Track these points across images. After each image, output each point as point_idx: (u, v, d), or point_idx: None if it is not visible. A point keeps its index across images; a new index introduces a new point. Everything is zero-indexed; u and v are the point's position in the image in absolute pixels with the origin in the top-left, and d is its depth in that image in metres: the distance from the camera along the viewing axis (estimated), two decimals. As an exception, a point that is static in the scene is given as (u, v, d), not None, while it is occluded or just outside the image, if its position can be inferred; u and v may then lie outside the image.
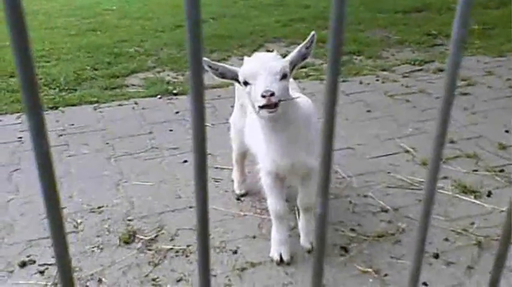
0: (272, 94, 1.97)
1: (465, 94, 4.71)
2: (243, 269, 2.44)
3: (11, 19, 0.42)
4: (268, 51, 6.45)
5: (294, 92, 2.63)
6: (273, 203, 2.44)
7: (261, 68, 2.05)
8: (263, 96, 1.98)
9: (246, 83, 2.11)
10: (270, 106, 1.99)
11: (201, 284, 0.57)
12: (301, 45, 2.23)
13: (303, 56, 2.24)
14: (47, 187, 0.50)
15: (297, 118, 2.22)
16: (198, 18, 0.41)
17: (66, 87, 5.11)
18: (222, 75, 2.26)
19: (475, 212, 2.84)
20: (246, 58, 2.21)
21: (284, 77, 2.08)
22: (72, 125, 4.22)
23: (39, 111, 0.46)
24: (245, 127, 2.73)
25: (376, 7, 8.85)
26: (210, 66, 2.23)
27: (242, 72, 2.13)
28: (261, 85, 2.01)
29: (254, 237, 2.69)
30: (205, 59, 2.24)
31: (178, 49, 6.59)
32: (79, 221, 2.84)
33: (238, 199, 3.06)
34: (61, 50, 6.53)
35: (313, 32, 2.21)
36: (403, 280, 2.33)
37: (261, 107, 2.02)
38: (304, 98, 2.47)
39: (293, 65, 2.19)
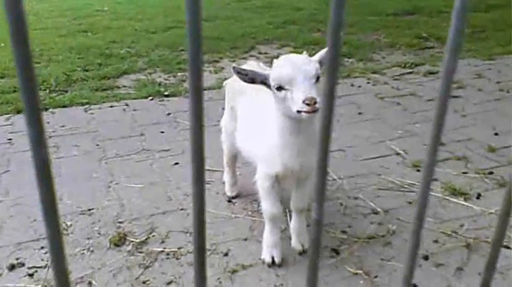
0: (315, 102, 1.97)
1: (455, 97, 4.75)
2: (234, 271, 2.44)
3: (12, 22, 0.42)
4: (260, 53, 6.47)
5: None
6: (269, 205, 2.43)
7: (297, 72, 2.02)
8: (307, 104, 1.97)
9: (279, 88, 2.07)
10: (313, 111, 1.99)
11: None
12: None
13: None
14: (45, 191, 0.49)
15: (315, 120, 2.22)
16: (198, 19, 0.41)
17: (57, 89, 5.09)
18: (252, 80, 2.21)
19: (465, 214, 2.86)
20: (275, 61, 2.15)
21: (317, 79, 2.07)
22: (63, 126, 4.20)
23: (39, 115, 0.46)
24: (236, 131, 2.73)
25: (367, 10, 8.90)
26: (238, 72, 2.19)
27: (275, 77, 2.08)
28: (301, 92, 1.99)
29: (245, 239, 2.69)
30: (234, 65, 2.24)
31: (170, 50, 6.58)
32: (69, 223, 2.83)
33: (229, 201, 3.06)
34: (51, 51, 6.50)
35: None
36: (393, 282, 2.34)
37: (300, 111, 2.02)
38: None
39: (321, 65, 2.18)
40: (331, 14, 0.45)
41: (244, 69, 2.22)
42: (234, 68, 2.21)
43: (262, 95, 2.54)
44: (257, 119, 2.48)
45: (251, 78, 2.20)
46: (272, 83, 2.10)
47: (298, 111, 2.00)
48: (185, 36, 0.43)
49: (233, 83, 2.83)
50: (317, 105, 1.96)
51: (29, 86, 0.44)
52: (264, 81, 2.17)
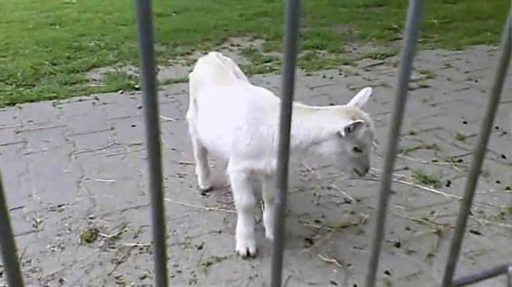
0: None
1: (425, 87, 4.83)
2: (208, 264, 2.43)
3: None
4: (232, 45, 6.44)
5: (246, 83, 2.65)
6: (244, 198, 2.41)
7: (372, 139, 2.16)
8: (366, 172, 2.17)
9: (357, 150, 2.12)
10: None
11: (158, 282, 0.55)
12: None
13: None
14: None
15: None
16: (148, 8, 0.39)
17: (24, 83, 4.94)
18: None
19: (435, 201, 2.92)
20: (359, 115, 2.11)
21: None
22: (31, 121, 4.09)
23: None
24: (198, 123, 2.71)
25: (339, 1, 8.95)
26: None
27: (361, 140, 2.10)
28: (369, 159, 2.19)
29: (220, 232, 2.68)
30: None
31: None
32: (39, 220, 2.76)
33: (203, 194, 3.04)
34: (18, 45, 6.31)
35: (369, 89, 2.30)
36: (365, 269, 2.37)
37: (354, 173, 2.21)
38: (266, 92, 2.46)
39: None
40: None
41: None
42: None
43: (223, 87, 2.53)
44: (225, 113, 2.46)
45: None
46: (357, 145, 2.11)
47: (353, 171, 2.20)
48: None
49: (194, 75, 2.82)
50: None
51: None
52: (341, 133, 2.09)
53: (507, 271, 0.68)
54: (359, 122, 2.04)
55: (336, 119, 2.10)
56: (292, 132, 2.00)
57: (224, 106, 2.49)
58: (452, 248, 0.63)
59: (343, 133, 2.06)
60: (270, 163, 2.24)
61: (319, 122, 2.14)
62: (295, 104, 2.28)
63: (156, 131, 0.45)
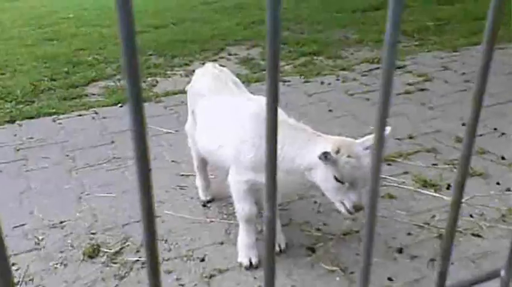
0: (359, 210, 2.06)
1: (422, 90, 4.84)
2: (211, 276, 2.43)
3: None
4: (230, 54, 6.46)
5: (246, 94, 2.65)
6: (246, 208, 2.42)
7: (362, 177, 2.05)
8: (355, 209, 2.08)
9: (338, 180, 2.06)
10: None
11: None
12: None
13: None
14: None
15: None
16: (131, 20, 0.40)
17: (23, 100, 4.97)
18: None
19: (436, 205, 2.92)
20: (342, 151, 2.05)
21: None
22: (31, 138, 4.11)
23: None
24: (197, 135, 2.73)
25: (334, 7, 8.98)
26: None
27: (342, 173, 2.04)
28: (356, 195, 2.08)
29: (222, 243, 2.68)
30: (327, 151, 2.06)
31: (139, 55, 6.51)
32: (40, 237, 2.77)
33: (204, 206, 3.05)
34: (17, 61, 6.35)
35: (389, 128, 2.15)
36: (369, 277, 2.36)
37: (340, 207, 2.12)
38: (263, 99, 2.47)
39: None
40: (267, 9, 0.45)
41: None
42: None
43: (221, 97, 2.55)
44: (225, 124, 2.47)
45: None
46: (336, 174, 2.05)
47: (340, 204, 2.11)
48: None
49: (192, 87, 2.83)
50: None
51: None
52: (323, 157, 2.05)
53: (500, 274, 0.69)
54: (337, 151, 2.04)
55: (326, 146, 2.10)
56: (292, 154, 1.97)
57: (225, 116, 2.50)
58: (443, 253, 0.64)
59: (322, 158, 2.03)
60: None
61: (315, 148, 2.15)
62: (302, 126, 2.24)
63: (144, 140, 0.46)
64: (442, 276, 0.71)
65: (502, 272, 0.70)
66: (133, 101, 0.45)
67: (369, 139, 2.12)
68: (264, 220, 0.56)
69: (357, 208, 2.07)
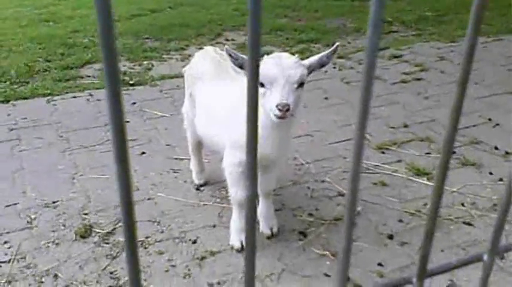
0: (288, 109, 1.96)
1: (418, 79, 4.84)
2: (202, 258, 2.44)
3: None
4: (227, 40, 6.43)
5: None
6: (239, 191, 2.42)
7: (280, 75, 2.00)
8: (279, 109, 1.96)
9: (261, 85, 2.03)
10: (283, 117, 1.98)
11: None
12: (323, 54, 2.19)
13: (322, 64, 2.20)
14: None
15: (293, 118, 2.23)
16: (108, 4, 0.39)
17: (18, 80, 4.94)
18: (240, 67, 2.15)
19: (428, 194, 2.93)
20: (265, 57, 2.10)
21: (301, 85, 2.05)
22: (25, 118, 4.09)
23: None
24: (195, 118, 2.72)
25: (333, -5, 8.93)
26: (230, 55, 2.14)
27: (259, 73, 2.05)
28: (277, 96, 1.98)
29: (214, 226, 2.69)
30: (227, 47, 2.16)
31: (135, 38, 6.47)
32: (33, 216, 2.77)
33: (197, 189, 3.05)
34: (12, 42, 6.29)
35: (337, 43, 2.21)
36: (359, 262, 2.39)
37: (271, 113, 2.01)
38: None
39: (310, 70, 2.15)
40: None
41: (236, 54, 2.15)
42: (227, 49, 2.15)
43: (221, 81, 2.53)
44: (224, 106, 2.46)
45: (240, 64, 2.15)
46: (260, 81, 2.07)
47: (269, 113, 2.01)
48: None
49: (191, 69, 2.81)
50: (289, 112, 1.96)
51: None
52: None
53: (482, 258, 0.69)
54: (226, 49, 2.13)
55: None
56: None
57: (224, 101, 2.49)
58: (426, 236, 0.65)
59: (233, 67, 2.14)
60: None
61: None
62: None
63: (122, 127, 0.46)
64: (424, 258, 0.71)
65: (485, 257, 0.71)
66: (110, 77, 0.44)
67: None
68: (246, 199, 0.56)
69: (282, 107, 1.96)
